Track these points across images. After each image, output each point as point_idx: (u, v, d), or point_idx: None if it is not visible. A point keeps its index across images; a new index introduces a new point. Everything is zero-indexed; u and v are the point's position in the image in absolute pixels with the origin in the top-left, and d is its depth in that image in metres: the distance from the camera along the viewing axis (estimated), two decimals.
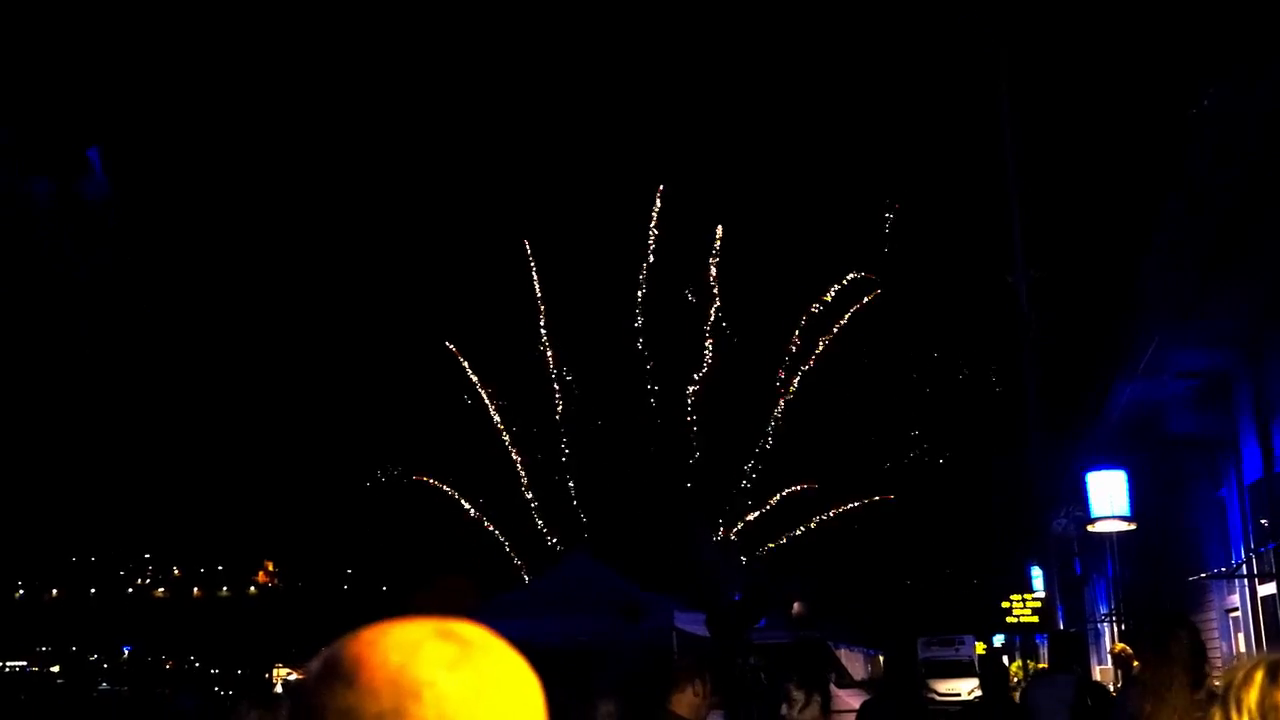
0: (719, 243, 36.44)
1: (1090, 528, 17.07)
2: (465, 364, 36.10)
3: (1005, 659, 43.41)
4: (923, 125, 34.48)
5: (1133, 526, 16.64)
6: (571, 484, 35.71)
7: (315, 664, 1.20)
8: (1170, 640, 5.17)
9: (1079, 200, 19.83)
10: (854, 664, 31.40)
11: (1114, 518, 16.31)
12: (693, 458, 35.71)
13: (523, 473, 36.12)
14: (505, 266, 36.84)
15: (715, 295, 36.38)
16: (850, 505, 36.03)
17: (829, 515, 36.02)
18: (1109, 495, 16.25)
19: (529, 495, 36.21)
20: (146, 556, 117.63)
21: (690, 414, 35.89)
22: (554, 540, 35.02)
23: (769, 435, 35.88)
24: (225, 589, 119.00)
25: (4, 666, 74.98)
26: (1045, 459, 20.31)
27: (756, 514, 35.97)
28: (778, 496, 35.94)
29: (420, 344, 36.81)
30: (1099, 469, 16.47)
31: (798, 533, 36.01)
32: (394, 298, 36.91)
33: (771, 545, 35.89)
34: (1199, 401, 15.33)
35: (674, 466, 35.29)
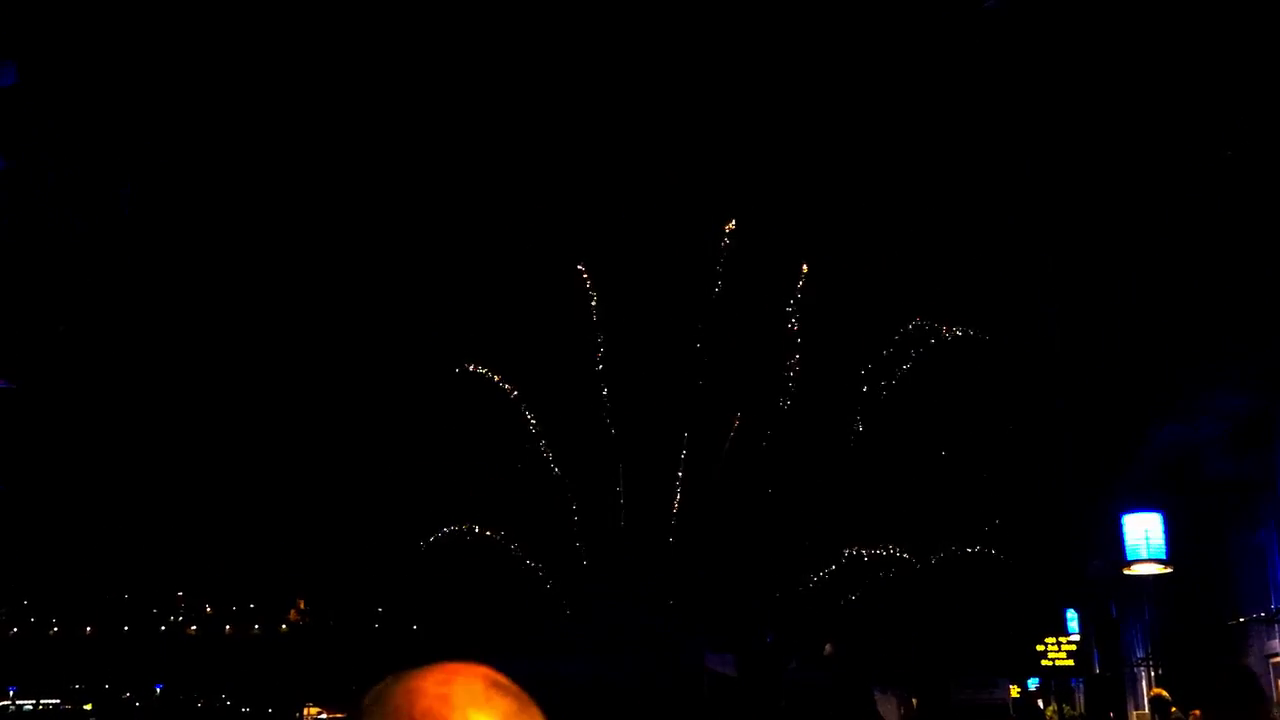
0: (802, 282, 34.73)
1: (1126, 570, 16.91)
2: (509, 388, 35.12)
3: (1040, 703, 42.89)
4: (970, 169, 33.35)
5: (1169, 570, 16.49)
6: (622, 523, 34.82)
7: (377, 713, 1.21)
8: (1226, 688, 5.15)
9: (1113, 242, 19.79)
10: (886, 707, 31.10)
11: (1150, 560, 16.17)
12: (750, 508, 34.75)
13: (573, 506, 35.22)
14: (561, 301, 35.58)
15: (795, 337, 34.73)
16: (921, 561, 35.19)
17: (897, 574, 35.17)
18: (1145, 538, 16.12)
19: (574, 517, 35.31)
20: (179, 594, 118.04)
21: (764, 449, 34.80)
22: (592, 574, 34.29)
23: (828, 490, 34.78)
24: (257, 627, 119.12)
25: (38, 704, 75.20)
26: (1081, 501, 20.17)
27: (822, 572, 35.15)
28: (844, 555, 35.10)
29: (454, 372, 35.88)
30: (1135, 511, 16.35)
31: (858, 586, 35.24)
32: (420, 326, 35.93)
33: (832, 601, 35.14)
34: (1236, 443, 15.21)
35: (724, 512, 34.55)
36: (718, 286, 34.82)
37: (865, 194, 33.30)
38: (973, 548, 34.69)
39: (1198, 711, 14.25)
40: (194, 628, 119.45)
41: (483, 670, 1.24)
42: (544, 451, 34.92)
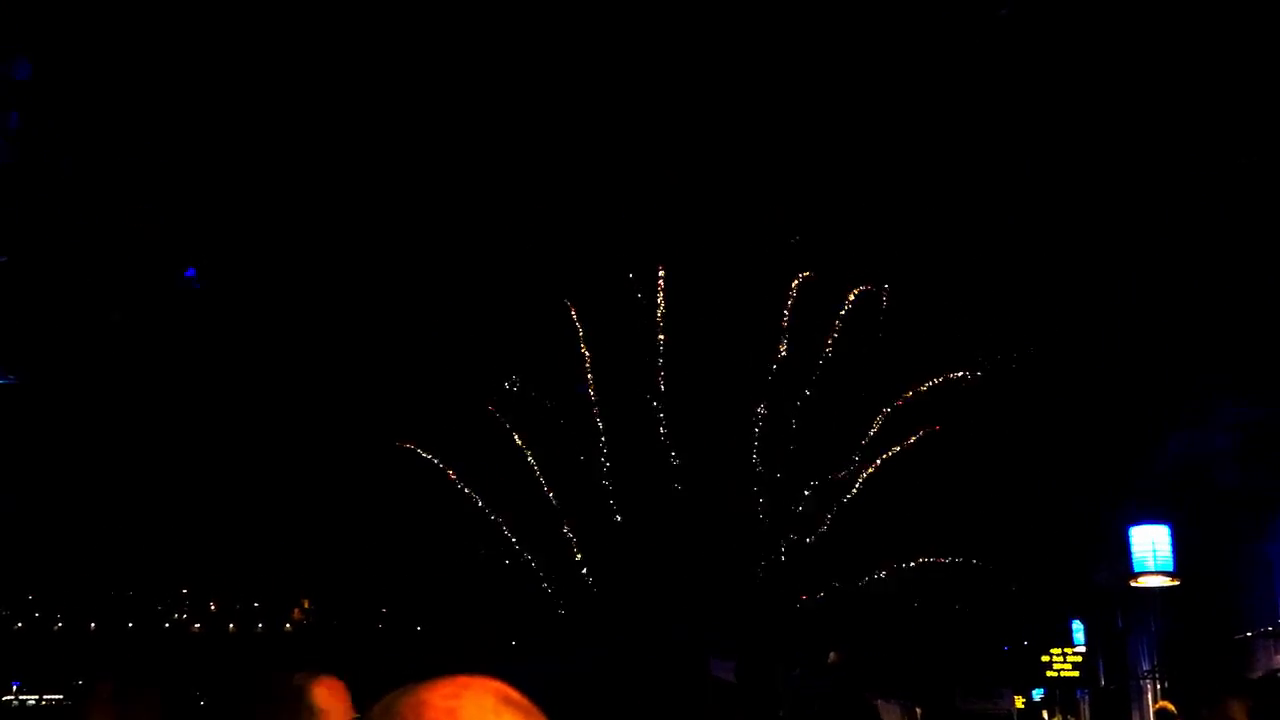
0: (862, 305, 33.35)
1: (1133, 582, 16.83)
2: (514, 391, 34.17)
3: (1045, 714, 42.83)
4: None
5: (1176, 582, 16.41)
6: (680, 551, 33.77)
7: None
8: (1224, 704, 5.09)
9: (1123, 252, 19.75)
10: (891, 716, 31.02)
11: (1158, 572, 16.09)
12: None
13: (616, 514, 34.21)
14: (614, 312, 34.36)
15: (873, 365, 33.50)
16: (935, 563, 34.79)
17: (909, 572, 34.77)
18: (1153, 549, 16.05)
19: (618, 528, 34.33)
20: (184, 591, 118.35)
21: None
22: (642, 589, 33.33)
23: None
24: (261, 625, 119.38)
25: (40, 699, 75.39)
26: (1088, 512, 20.12)
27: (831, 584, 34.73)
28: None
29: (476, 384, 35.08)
30: (1142, 523, 16.27)
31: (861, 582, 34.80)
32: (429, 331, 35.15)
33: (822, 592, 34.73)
34: (1245, 455, 15.15)
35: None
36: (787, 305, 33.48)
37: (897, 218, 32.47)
38: (980, 559, 34.50)
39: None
40: (198, 625, 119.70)
41: (493, 684, 1.21)
42: (585, 459, 33.97)
